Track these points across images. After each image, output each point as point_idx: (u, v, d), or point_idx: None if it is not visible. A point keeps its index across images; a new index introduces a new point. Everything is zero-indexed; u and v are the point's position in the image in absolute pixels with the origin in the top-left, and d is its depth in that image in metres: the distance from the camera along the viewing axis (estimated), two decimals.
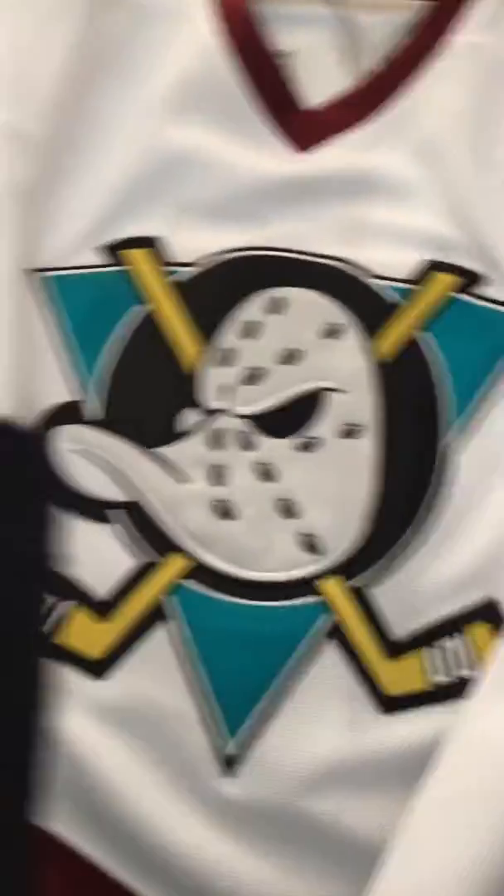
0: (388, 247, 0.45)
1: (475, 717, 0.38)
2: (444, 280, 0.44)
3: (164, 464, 0.42)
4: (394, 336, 0.44)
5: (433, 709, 0.40)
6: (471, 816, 0.35)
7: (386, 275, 0.44)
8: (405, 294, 0.44)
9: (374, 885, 0.35)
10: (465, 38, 0.45)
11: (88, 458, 0.43)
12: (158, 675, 0.41)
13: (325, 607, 0.41)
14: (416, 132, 0.46)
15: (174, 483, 0.42)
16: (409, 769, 0.38)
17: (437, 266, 0.45)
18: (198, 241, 0.44)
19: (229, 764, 0.40)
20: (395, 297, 0.44)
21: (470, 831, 0.35)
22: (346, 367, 0.43)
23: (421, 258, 0.44)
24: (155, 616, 0.41)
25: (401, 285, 0.44)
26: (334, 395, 0.43)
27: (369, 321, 0.44)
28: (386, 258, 0.45)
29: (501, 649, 0.39)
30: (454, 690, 0.40)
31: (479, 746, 0.37)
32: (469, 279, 0.45)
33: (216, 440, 0.43)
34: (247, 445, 0.43)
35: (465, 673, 0.40)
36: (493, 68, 0.46)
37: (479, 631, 0.41)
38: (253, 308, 0.44)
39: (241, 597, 0.41)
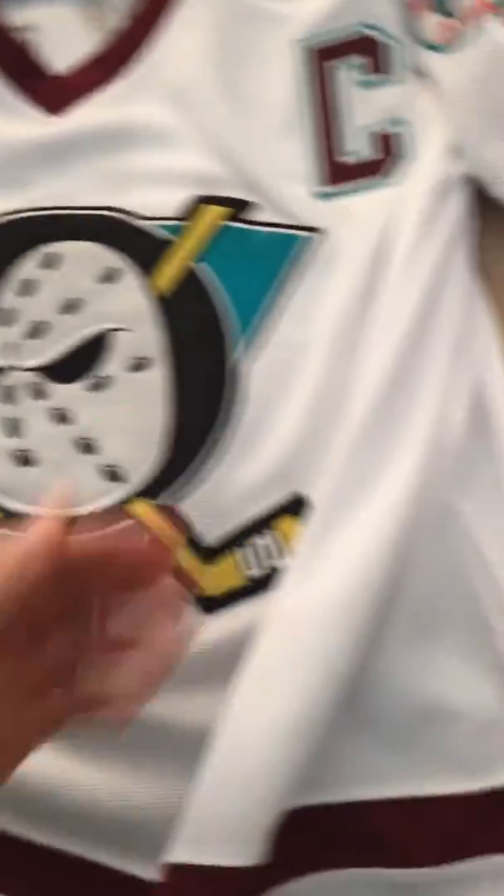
0: (154, 189, 0.47)
1: (279, 600, 0.40)
2: (213, 212, 0.46)
3: None
4: (170, 271, 0.45)
5: (251, 601, 0.41)
6: (281, 686, 0.37)
7: (155, 215, 0.46)
8: (175, 230, 0.46)
9: (204, 765, 0.36)
10: None
11: None
12: None
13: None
14: (168, 80, 0.48)
15: None
16: (233, 660, 0.39)
17: (204, 200, 0.46)
18: None
19: None
20: (167, 234, 0.46)
21: (281, 699, 0.37)
22: (126, 307, 0.45)
23: (187, 195, 0.46)
24: None
25: (170, 223, 0.46)
26: (119, 335, 0.45)
27: (144, 261, 0.46)
28: (153, 200, 0.46)
29: (306, 536, 0.41)
30: (269, 581, 0.41)
31: (282, 624, 0.38)
32: (237, 207, 0.46)
33: (8, 396, 0.44)
34: (39, 395, 0.44)
35: (276, 563, 0.42)
36: (232, 9, 0.48)
37: (287, 523, 0.42)
38: (28, 266, 0.45)
39: None
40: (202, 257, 0.46)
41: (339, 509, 0.41)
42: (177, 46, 0.48)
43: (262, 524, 0.43)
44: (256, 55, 0.47)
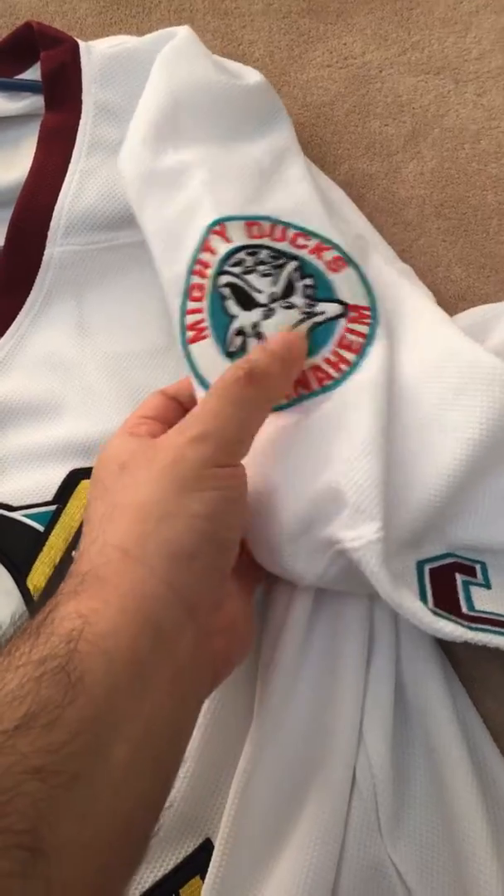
0: (28, 472, 0.43)
1: None
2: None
3: None
4: (43, 567, 0.40)
5: None
6: None
7: (28, 503, 0.41)
8: (49, 518, 0.41)
9: None
10: None
11: None
12: None
13: None
14: (37, 348, 0.45)
15: None
16: None
17: (84, 473, 0.42)
18: None
19: None
20: (39, 525, 0.41)
21: None
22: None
23: (66, 471, 0.42)
24: None
25: (45, 509, 0.41)
26: None
27: (17, 558, 0.40)
28: (26, 485, 0.42)
29: None
30: None
31: None
32: None
33: None
34: None
35: None
36: (91, 270, 0.46)
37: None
38: None
39: None
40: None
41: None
42: (42, 316, 0.46)
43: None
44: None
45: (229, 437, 0.31)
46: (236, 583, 0.34)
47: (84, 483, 0.42)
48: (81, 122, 0.47)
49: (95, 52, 0.47)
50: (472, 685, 0.37)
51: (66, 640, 0.24)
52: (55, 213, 0.45)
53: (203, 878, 0.33)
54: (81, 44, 0.47)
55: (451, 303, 0.44)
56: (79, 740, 0.22)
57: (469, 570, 0.34)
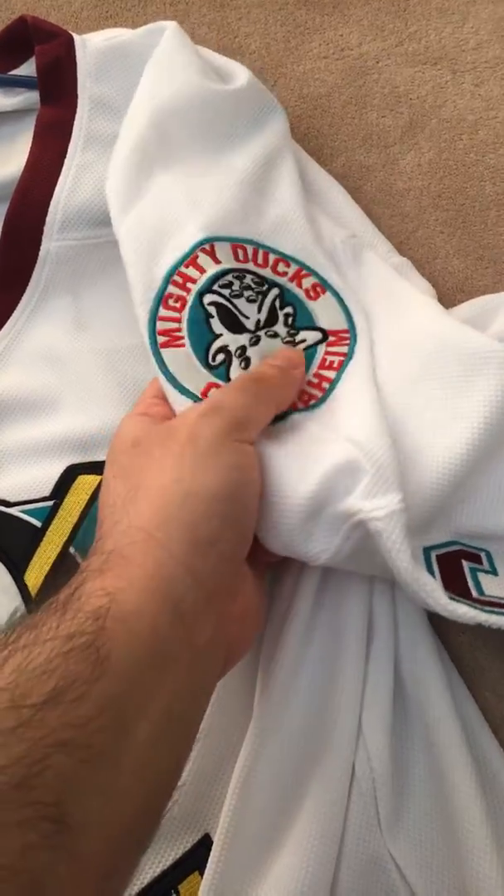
0: (25, 467, 0.42)
1: None
2: (87, 482, 0.41)
3: None
4: (41, 563, 0.40)
5: None
6: None
7: (25, 498, 0.41)
8: (47, 514, 0.41)
9: None
10: None
11: None
12: None
13: None
14: (34, 344, 0.45)
15: None
16: None
17: (81, 468, 0.42)
18: None
19: None
20: (36, 521, 0.41)
21: None
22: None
23: (62, 466, 0.42)
24: None
25: (41, 505, 0.41)
26: None
27: (14, 555, 0.40)
28: (23, 480, 0.42)
29: None
30: None
31: None
32: None
33: None
34: None
35: None
36: (84, 272, 0.46)
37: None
38: None
39: None
40: (78, 537, 0.40)
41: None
42: (39, 312, 0.45)
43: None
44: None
45: (239, 411, 0.32)
46: (250, 571, 0.34)
47: (82, 478, 0.41)
48: (77, 116, 0.47)
49: (90, 46, 0.47)
50: (470, 678, 0.37)
51: (93, 616, 0.24)
52: (51, 209, 0.45)
53: (202, 873, 0.33)
54: (76, 37, 0.47)
55: (450, 294, 0.44)
56: (105, 716, 0.22)
57: (475, 558, 0.34)
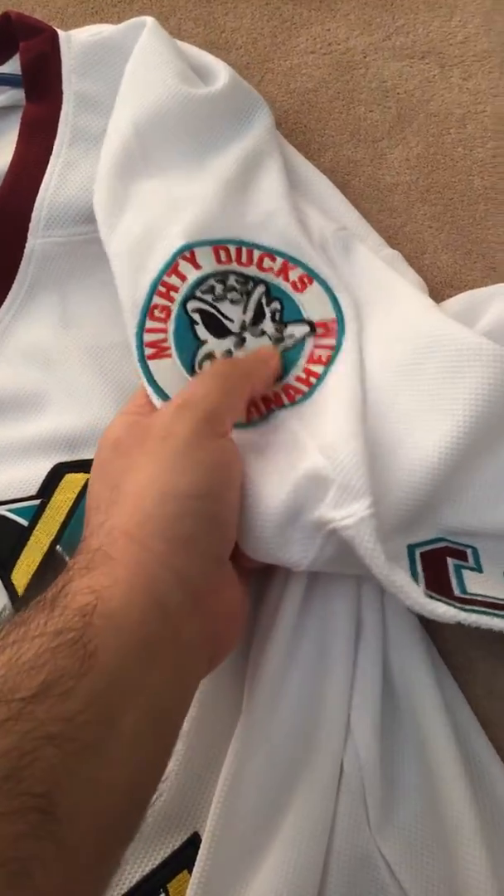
0: (12, 466, 0.42)
1: None
2: (75, 481, 0.41)
3: None
4: (28, 562, 0.39)
5: None
6: None
7: (12, 497, 0.41)
8: (33, 512, 0.40)
9: None
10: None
11: None
12: None
13: None
14: (21, 342, 0.45)
15: None
16: None
17: (68, 467, 0.41)
18: None
19: None
20: (23, 520, 0.40)
21: None
22: None
23: (50, 464, 0.41)
24: None
25: (28, 504, 0.41)
26: None
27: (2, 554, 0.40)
28: (11, 478, 0.42)
29: None
30: None
31: None
32: None
33: None
34: None
35: None
36: (72, 271, 0.46)
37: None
38: None
39: None
40: (65, 536, 0.39)
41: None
42: (25, 309, 0.45)
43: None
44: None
45: (211, 403, 0.32)
46: (235, 570, 0.34)
47: (69, 477, 0.41)
48: (62, 112, 0.46)
49: (75, 42, 0.46)
50: (460, 674, 0.37)
51: (80, 613, 0.25)
52: (36, 206, 0.45)
53: (191, 872, 0.32)
54: (60, 33, 0.46)
55: (439, 289, 0.43)
56: (92, 710, 0.23)
57: (461, 555, 0.34)
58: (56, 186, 0.45)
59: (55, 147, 0.46)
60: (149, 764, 0.25)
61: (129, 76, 0.43)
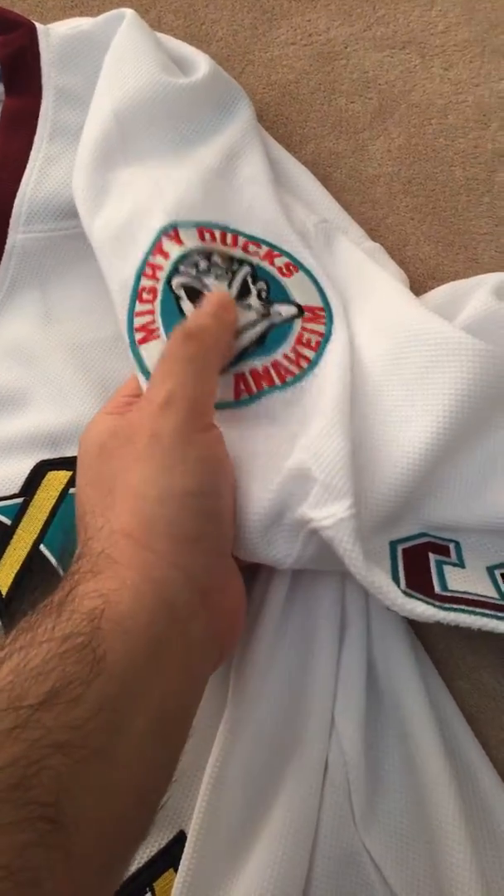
0: None
1: None
2: (57, 478, 0.41)
3: None
4: (11, 562, 0.39)
5: None
6: None
7: None
8: (16, 511, 0.40)
9: None
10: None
11: None
12: None
13: None
14: (3, 339, 0.44)
15: None
16: None
17: (50, 464, 0.41)
18: None
19: None
20: (6, 518, 0.40)
21: None
22: None
23: (33, 462, 0.41)
24: None
25: (11, 502, 0.40)
26: None
27: None
28: None
29: None
30: None
31: None
32: None
33: None
34: None
35: None
36: (56, 266, 0.45)
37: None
38: None
39: None
40: (48, 535, 0.39)
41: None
42: (6, 306, 0.45)
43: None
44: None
45: (191, 395, 0.31)
46: (236, 565, 0.34)
47: (51, 474, 0.41)
48: (42, 107, 0.46)
49: (53, 36, 0.46)
50: (444, 667, 0.37)
51: (88, 618, 0.24)
52: (17, 201, 0.45)
53: (177, 870, 0.32)
54: (39, 27, 0.46)
55: (421, 281, 0.43)
56: (101, 717, 0.22)
57: (443, 550, 0.34)
58: (36, 181, 0.45)
59: (35, 142, 0.45)
60: (158, 766, 0.25)
61: (108, 68, 0.43)
